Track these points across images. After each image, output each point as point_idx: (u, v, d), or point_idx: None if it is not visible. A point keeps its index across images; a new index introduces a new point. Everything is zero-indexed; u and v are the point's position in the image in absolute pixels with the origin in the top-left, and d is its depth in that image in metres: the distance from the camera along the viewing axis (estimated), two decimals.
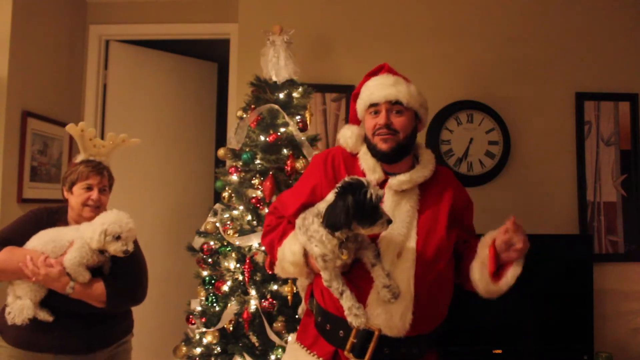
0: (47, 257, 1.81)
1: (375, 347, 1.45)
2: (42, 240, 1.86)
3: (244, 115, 2.54)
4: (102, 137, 3.45)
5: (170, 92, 3.85)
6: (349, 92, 3.07)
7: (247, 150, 2.44)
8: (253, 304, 2.28)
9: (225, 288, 2.36)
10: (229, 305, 2.32)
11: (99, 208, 1.94)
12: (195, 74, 4.00)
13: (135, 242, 2.00)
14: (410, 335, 1.47)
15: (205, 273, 2.48)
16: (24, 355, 1.83)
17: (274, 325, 2.24)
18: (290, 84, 2.53)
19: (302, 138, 2.44)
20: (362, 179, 1.39)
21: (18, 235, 1.89)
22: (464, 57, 3.08)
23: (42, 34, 3.05)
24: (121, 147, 2.12)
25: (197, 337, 2.39)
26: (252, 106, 2.51)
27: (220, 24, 3.45)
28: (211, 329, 2.32)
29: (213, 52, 3.96)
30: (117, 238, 1.83)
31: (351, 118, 1.76)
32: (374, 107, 1.61)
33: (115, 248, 1.83)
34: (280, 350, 2.18)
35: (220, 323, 2.30)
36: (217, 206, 2.56)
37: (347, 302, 1.45)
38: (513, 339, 2.70)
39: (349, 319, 1.44)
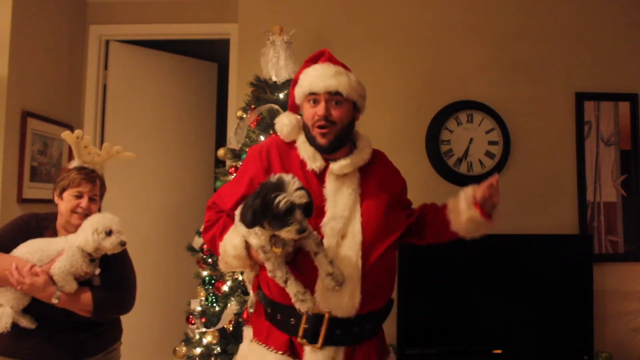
0: (34, 266, 1.78)
1: (327, 330, 1.47)
2: (30, 249, 1.83)
3: (244, 115, 2.54)
4: (102, 139, 3.48)
5: (170, 92, 3.85)
6: None
7: (247, 150, 2.44)
8: None
9: (225, 288, 2.37)
10: (229, 305, 2.32)
11: (87, 216, 1.90)
12: (195, 74, 4.00)
13: (125, 251, 1.97)
14: (361, 313, 1.50)
15: (205, 273, 2.48)
16: None
17: None
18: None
19: None
20: (285, 179, 1.39)
21: (5, 241, 1.87)
22: (464, 57, 3.08)
23: (42, 34, 3.05)
24: (115, 158, 2.10)
25: (197, 337, 2.39)
26: (252, 106, 2.51)
27: (220, 24, 3.45)
28: (211, 329, 2.32)
29: (213, 52, 3.96)
30: (109, 233, 1.82)
31: (290, 105, 1.76)
32: (313, 95, 1.62)
33: (110, 242, 1.82)
34: None
35: (220, 323, 2.31)
36: None
37: (292, 288, 1.45)
38: (513, 339, 2.70)
39: (297, 305, 1.45)
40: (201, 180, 3.97)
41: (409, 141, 3.01)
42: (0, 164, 2.69)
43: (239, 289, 2.34)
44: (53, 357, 1.84)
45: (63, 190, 1.93)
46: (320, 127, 1.59)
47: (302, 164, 1.62)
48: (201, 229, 2.52)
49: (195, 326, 2.43)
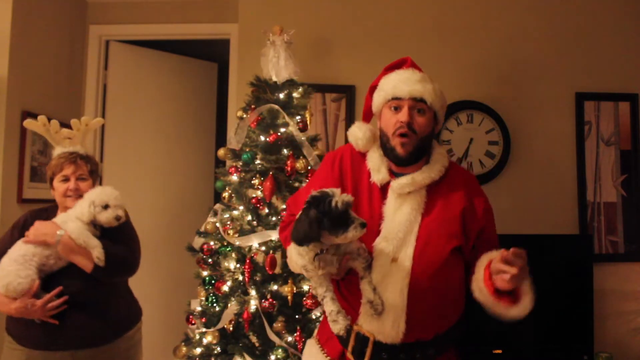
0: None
1: (372, 352, 1.44)
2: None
3: (244, 115, 2.54)
4: (102, 139, 3.48)
5: (170, 92, 3.85)
6: (349, 92, 3.08)
7: (247, 150, 2.44)
8: (253, 304, 2.28)
9: (225, 288, 2.36)
10: (229, 305, 2.32)
11: (81, 197, 1.93)
12: (195, 74, 4.00)
13: (127, 218, 2.01)
14: (407, 341, 1.43)
15: (205, 273, 2.48)
16: (42, 356, 1.83)
17: (274, 325, 2.24)
18: (290, 84, 2.53)
19: (302, 138, 2.44)
20: (327, 190, 1.37)
21: (3, 245, 1.90)
22: (464, 57, 3.08)
23: (42, 34, 3.05)
24: (89, 130, 2.12)
25: (197, 337, 2.39)
26: (252, 106, 2.51)
27: (220, 24, 3.45)
28: (211, 329, 2.32)
29: (213, 52, 3.96)
30: (106, 207, 1.85)
31: (365, 113, 1.67)
32: (396, 101, 1.52)
33: (106, 216, 1.85)
34: (280, 350, 2.18)
35: (220, 323, 2.30)
36: (217, 206, 2.55)
37: (327, 307, 1.43)
38: (513, 339, 2.70)
39: (330, 325, 1.43)
40: (201, 180, 3.97)
41: None
42: (0, 164, 2.69)
43: (239, 289, 2.34)
44: (86, 343, 1.85)
45: (51, 179, 1.97)
46: (401, 135, 1.49)
47: (370, 175, 1.54)
48: (201, 229, 2.55)
49: (195, 326, 2.43)
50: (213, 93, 4.12)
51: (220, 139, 3.85)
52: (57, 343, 1.83)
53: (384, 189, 1.53)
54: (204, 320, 2.38)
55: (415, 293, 1.42)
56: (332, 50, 3.11)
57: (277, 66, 2.52)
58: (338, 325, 1.40)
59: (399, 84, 1.52)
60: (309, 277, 1.47)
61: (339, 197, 1.34)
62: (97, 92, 3.51)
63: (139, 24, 3.50)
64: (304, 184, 2.43)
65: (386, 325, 1.42)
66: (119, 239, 1.94)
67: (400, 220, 1.47)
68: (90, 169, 2.02)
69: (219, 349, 2.34)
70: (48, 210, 2.01)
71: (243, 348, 2.27)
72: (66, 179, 1.95)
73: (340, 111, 3.08)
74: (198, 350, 2.37)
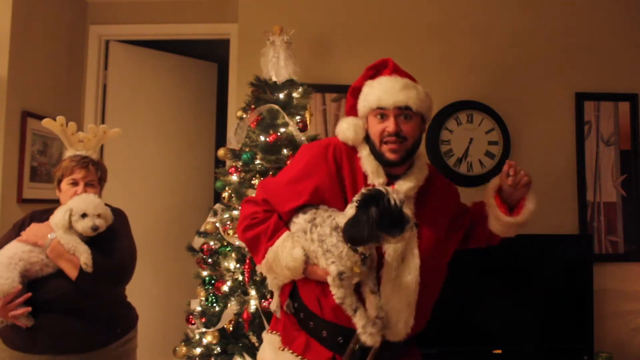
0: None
1: (375, 353, 1.42)
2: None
3: (244, 115, 2.54)
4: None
5: (170, 92, 3.85)
6: None
7: (247, 150, 2.44)
8: (253, 304, 2.28)
9: (225, 288, 2.36)
10: (229, 305, 2.32)
11: None
12: (195, 74, 4.00)
13: (127, 227, 2.00)
14: (409, 335, 1.48)
15: (205, 273, 2.48)
16: (22, 357, 1.81)
17: None
18: (290, 84, 2.53)
19: (302, 138, 2.44)
20: (379, 187, 1.35)
21: (3, 244, 1.88)
22: (464, 57, 3.08)
23: (42, 34, 3.05)
24: (106, 139, 2.11)
25: (197, 337, 2.39)
26: (252, 106, 2.51)
27: (220, 24, 3.45)
28: (211, 329, 2.32)
29: (213, 52, 3.96)
30: (84, 216, 1.81)
31: (347, 111, 1.68)
32: (381, 110, 1.53)
33: (82, 225, 1.81)
34: None
35: (220, 323, 2.30)
36: (217, 206, 2.55)
37: (361, 320, 1.38)
38: (513, 339, 2.70)
39: (363, 337, 1.38)
40: (201, 180, 3.97)
41: None
42: (0, 164, 2.69)
43: (239, 289, 2.34)
44: (67, 348, 1.83)
45: (60, 181, 1.95)
46: (392, 150, 1.52)
47: (365, 176, 1.54)
48: (201, 229, 2.54)
49: (195, 326, 2.43)
50: (213, 93, 4.12)
51: (220, 139, 3.85)
52: (36, 346, 1.80)
53: None
54: (203, 320, 2.38)
55: (424, 289, 1.47)
56: (332, 50, 3.11)
57: (277, 66, 2.52)
58: (374, 338, 1.37)
59: (383, 95, 1.53)
60: (338, 285, 1.39)
61: (394, 194, 1.31)
62: (97, 92, 3.51)
63: (139, 24, 3.50)
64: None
65: (399, 325, 1.44)
66: (111, 247, 1.89)
67: None
68: (100, 176, 2.01)
69: (218, 349, 2.34)
70: (50, 212, 1.98)
71: (243, 348, 2.27)
72: (75, 183, 1.93)
73: (340, 111, 3.08)
74: (198, 350, 2.37)
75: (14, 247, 1.82)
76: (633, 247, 2.99)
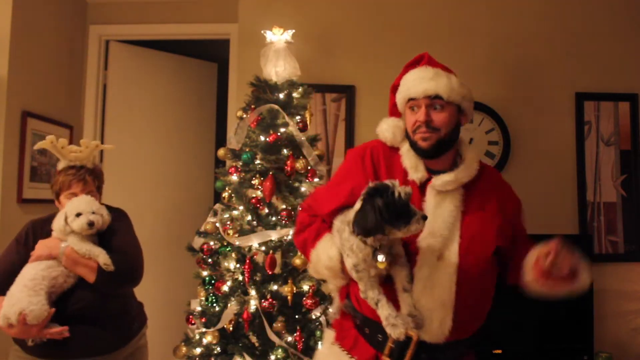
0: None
1: (413, 353, 1.39)
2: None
3: (244, 115, 2.54)
4: (102, 139, 3.48)
5: (170, 92, 3.85)
6: (349, 92, 3.07)
7: (247, 150, 2.44)
8: (253, 304, 2.28)
9: (225, 288, 2.36)
10: (229, 305, 2.32)
11: None
12: (195, 74, 4.00)
13: (130, 225, 2.01)
14: (449, 340, 1.41)
15: (205, 273, 2.48)
16: None
17: (274, 325, 2.24)
18: (290, 84, 2.53)
19: (302, 138, 2.44)
20: (386, 181, 1.34)
21: (6, 265, 1.88)
22: (463, 58, 3.07)
23: (42, 34, 3.05)
24: (98, 149, 2.11)
25: (197, 337, 2.39)
26: (252, 106, 2.51)
27: (220, 24, 3.45)
28: (211, 329, 2.32)
29: (213, 52, 3.96)
30: (78, 215, 1.82)
31: (390, 112, 1.67)
32: (413, 101, 1.52)
33: (78, 224, 1.81)
34: (280, 350, 2.18)
35: (220, 323, 2.30)
36: (217, 206, 2.55)
37: (383, 311, 1.36)
38: (513, 339, 2.70)
39: (387, 329, 1.36)
40: (201, 180, 3.97)
41: None
42: (0, 164, 2.69)
43: (239, 289, 2.34)
44: (90, 352, 1.84)
45: (57, 194, 1.95)
46: (423, 138, 1.50)
47: (405, 173, 1.52)
48: (201, 229, 2.54)
49: (195, 326, 2.43)
50: (213, 93, 4.12)
51: (220, 139, 3.85)
52: (63, 353, 1.81)
53: (421, 187, 1.51)
54: (203, 320, 2.38)
55: (461, 290, 1.41)
56: (332, 50, 3.11)
57: (277, 66, 2.52)
58: (398, 330, 1.34)
59: (412, 85, 1.52)
60: (357, 278, 1.39)
61: (400, 188, 1.31)
62: (97, 92, 3.51)
63: (139, 24, 3.50)
64: (303, 184, 2.43)
65: (433, 325, 1.39)
66: (120, 247, 1.91)
67: (442, 217, 1.46)
68: (98, 185, 2.02)
69: (218, 349, 2.34)
70: (49, 220, 1.96)
71: (243, 348, 2.27)
72: (74, 196, 1.93)
73: (340, 111, 3.08)
74: (198, 350, 2.37)
75: (32, 268, 1.80)
76: (633, 247, 2.99)
